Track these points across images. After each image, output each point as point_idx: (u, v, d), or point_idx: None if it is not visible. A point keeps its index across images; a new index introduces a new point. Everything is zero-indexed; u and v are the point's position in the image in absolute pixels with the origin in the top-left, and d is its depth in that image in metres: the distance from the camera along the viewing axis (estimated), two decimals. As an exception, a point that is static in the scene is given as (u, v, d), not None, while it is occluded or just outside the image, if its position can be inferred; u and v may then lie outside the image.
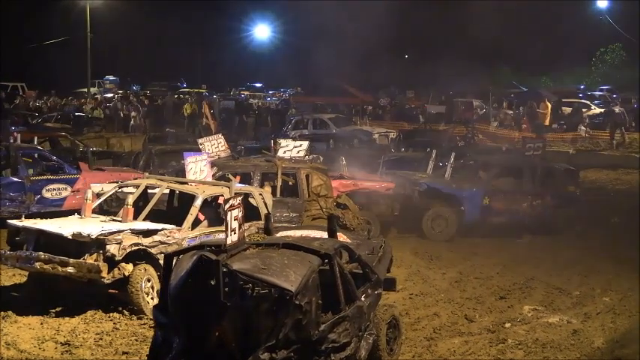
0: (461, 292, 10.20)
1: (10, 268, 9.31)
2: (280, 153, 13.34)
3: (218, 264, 5.44)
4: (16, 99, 33.80)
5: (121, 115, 30.92)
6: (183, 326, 5.63)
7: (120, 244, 8.40)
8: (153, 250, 8.74)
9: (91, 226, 8.69)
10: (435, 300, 9.74)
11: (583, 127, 27.52)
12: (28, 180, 12.95)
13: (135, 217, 9.20)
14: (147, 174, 11.38)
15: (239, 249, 5.86)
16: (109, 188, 10.65)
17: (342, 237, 8.02)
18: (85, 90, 40.06)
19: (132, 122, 29.70)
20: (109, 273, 8.35)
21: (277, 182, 12.28)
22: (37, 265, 8.48)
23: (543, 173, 14.59)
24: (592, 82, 45.27)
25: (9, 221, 9.24)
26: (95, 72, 42.42)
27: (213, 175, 11.13)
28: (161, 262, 7.12)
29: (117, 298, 8.69)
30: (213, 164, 11.64)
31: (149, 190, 10.01)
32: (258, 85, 57.11)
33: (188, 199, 9.70)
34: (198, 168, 10.34)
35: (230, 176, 12.00)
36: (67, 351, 7.56)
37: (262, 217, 9.05)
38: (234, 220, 5.77)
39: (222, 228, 5.96)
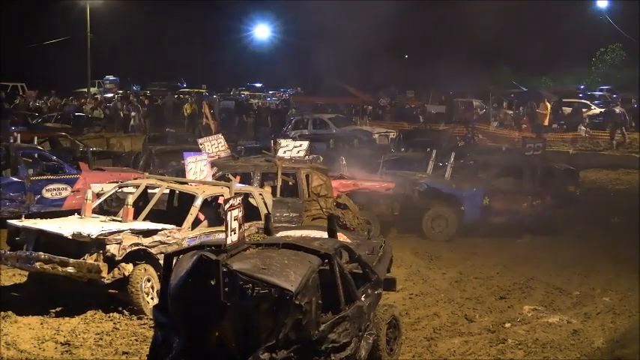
0: (461, 292, 10.20)
1: (10, 268, 9.31)
2: (280, 153, 13.35)
3: (218, 264, 5.44)
4: (16, 99, 33.80)
5: (121, 115, 30.92)
6: (183, 326, 5.63)
7: (120, 244, 8.40)
8: (153, 250, 8.74)
9: (91, 226, 8.69)
10: (435, 300, 9.74)
11: (583, 127, 27.50)
12: (28, 180, 12.95)
13: (135, 217, 9.20)
14: (147, 174, 11.38)
15: (239, 249, 5.86)
16: (109, 188, 10.65)
17: (342, 237, 8.02)
18: (85, 90, 40.05)
19: (132, 122, 29.71)
20: (109, 273, 8.35)
21: (277, 182, 12.28)
22: (37, 265, 8.48)
23: (543, 173, 14.60)
24: (592, 82, 45.26)
25: (9, 221, 9.24)
26: (95, 72, 42.42)
27: (213, 175, 11.13)
28: (161, 262, 7.12)
29: (117, 298, 8.69)
30: (213, 164, 11.64)
31: (149, 190, 10.01)
32: (258, 85, 57.13)
33: (188, 199, 9.70)
34: (198, 168, 10.34)
35: (230, 176, 12.00)
36: (67, 351, 7.56)
37: (262, 217, 9.05)
38: (234, 220, 5.78)
39: (222, 228, 5.96)
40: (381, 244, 8.24)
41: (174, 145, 19.40)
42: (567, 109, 31.90)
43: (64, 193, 13.28)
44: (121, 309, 8.61)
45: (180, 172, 11.39)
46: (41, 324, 8.24)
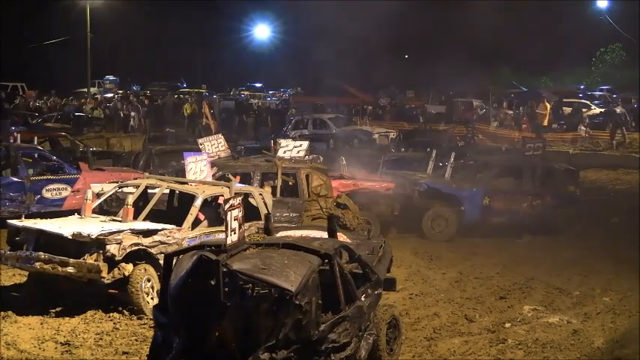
0: (461, 292, 10.20)
1: (10, 268, 9.31)
2: (280, 153, 13.35)
3: (218, 264, 5.44)
4: (16, 99, 33.79)
5: (121, 115, 30.90)
6: (183, 326, 5.63)
7: (120, 244, 8.40)
8: (153, 250, 8.74)
9: (91, 226, 8.69)
10: (435, 300, 9.74)
11: (583, 127, 27.50)
12: (28, 180, 12.95)
13: (135, 217, 9.20)
14: (147, 174, 11.38)
15: (239, 249, 5.86)
16: (109, 188, 10.65)
17: (342, 237, 8.02)
18: (85, 90, 40.04)
19: (132, 122, 29.71)
20: (109, 273, 8.35)
21: (277, 182, 12.28)
22: (37, 265, 8.48)
23: (543, 173, 14.60)
24: (592, 82, 45.24)
25: (9, 221, 9.24)
26: (95, 72, 42.41)
27: (213, 175, 11.13)
28: (161, 262, 7.12)
29: (117, 298, 8.69)
30: (213, 164, 11.64)
31: (149, 190, 10.01)
32: (258, 85, 57.11)
33: (188, 199, 9.70)
34: (198, 168, 10.34)
35: (230, 176, 12.00)
36: (67, 351, 7.56)
37: (262, 217, 9.05)
38: (234, 220, 5.78)
39: (222, 228, 5.96)
40: (381, 244, 8.24)
41: (174, 145, 19.40)
42: (567, 109, 31.89)
43: (64, 193, 13.29)
44: (121, 309, 8.61)
45: (180, 172, 11.39)
46: (41, 324, 8.24)
